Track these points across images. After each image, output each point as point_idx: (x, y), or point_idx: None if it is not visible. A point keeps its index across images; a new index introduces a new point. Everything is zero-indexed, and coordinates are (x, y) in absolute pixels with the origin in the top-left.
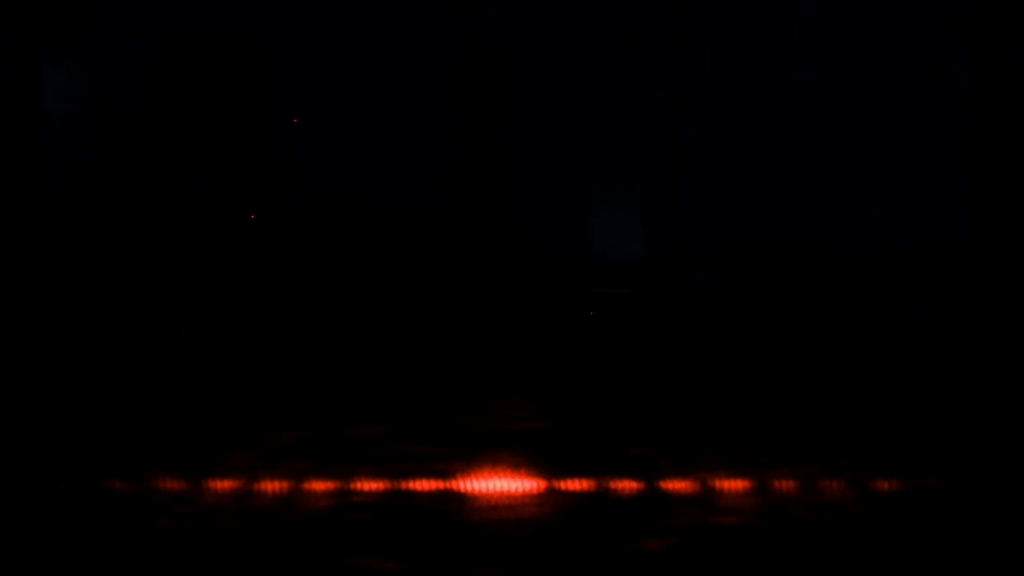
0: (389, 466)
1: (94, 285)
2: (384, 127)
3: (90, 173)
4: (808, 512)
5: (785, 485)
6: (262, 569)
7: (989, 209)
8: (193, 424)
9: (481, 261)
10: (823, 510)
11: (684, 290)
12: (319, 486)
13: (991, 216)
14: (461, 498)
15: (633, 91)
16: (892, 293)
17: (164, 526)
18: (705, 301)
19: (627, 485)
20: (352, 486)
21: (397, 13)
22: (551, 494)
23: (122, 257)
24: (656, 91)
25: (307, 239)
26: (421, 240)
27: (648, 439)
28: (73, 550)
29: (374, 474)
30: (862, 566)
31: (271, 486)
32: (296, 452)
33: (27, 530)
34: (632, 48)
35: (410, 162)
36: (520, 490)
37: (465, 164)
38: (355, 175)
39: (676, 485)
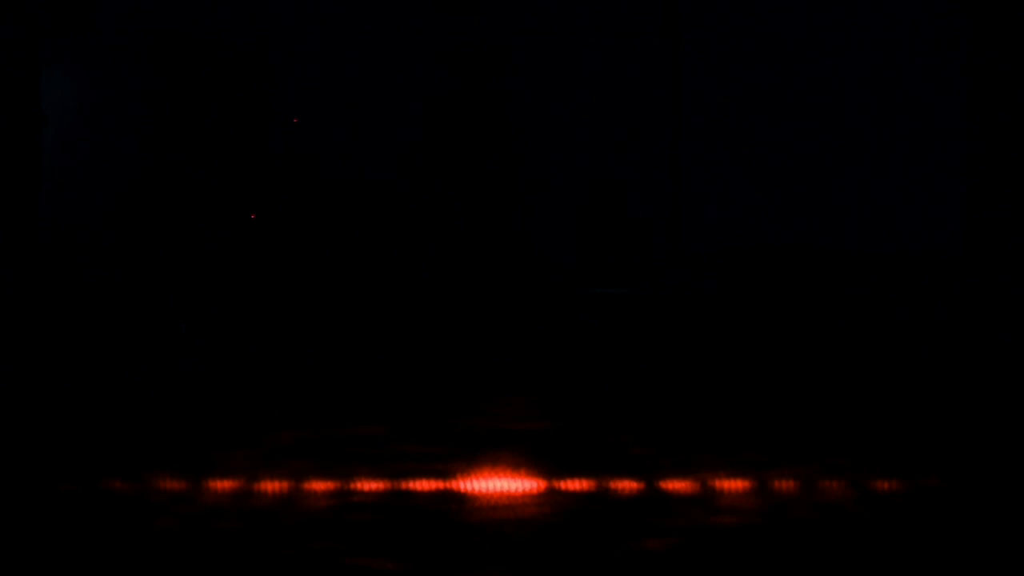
0: (389, 466)
1: (93, 284)
2: (384, 126)
3: (89, 173)
4: (808, 512)
5: (785, 485)
6: (262, 569)
7: (988, 212)
8: (193, 424)
9: (481, 261)
10: (823, 510)
11: (684, 290)
12: (319, 486)
13: (990, 218)
14: (461, 498)
15: (633, 90)
16: (892, 293)
17: (164, 526)
18: (705, 301)
19: (627, 485)
20: (352, 486)
21: (397, 13)
22: (551, 494)
23: (121, 256)
24: (656, 91)
25: (307, 239)
26: (421, 240)
27: (648, 439)
28: (73, 550)
29: (374, 474)
30: (862, 566)
31: (271, 486)
32: (296, 452)
33: (27, 530)
34: (632, 48)
35: (409, 162)
36: (520, 490)
37: (465, 164)
38: (354, 175)
39: (676, 485)
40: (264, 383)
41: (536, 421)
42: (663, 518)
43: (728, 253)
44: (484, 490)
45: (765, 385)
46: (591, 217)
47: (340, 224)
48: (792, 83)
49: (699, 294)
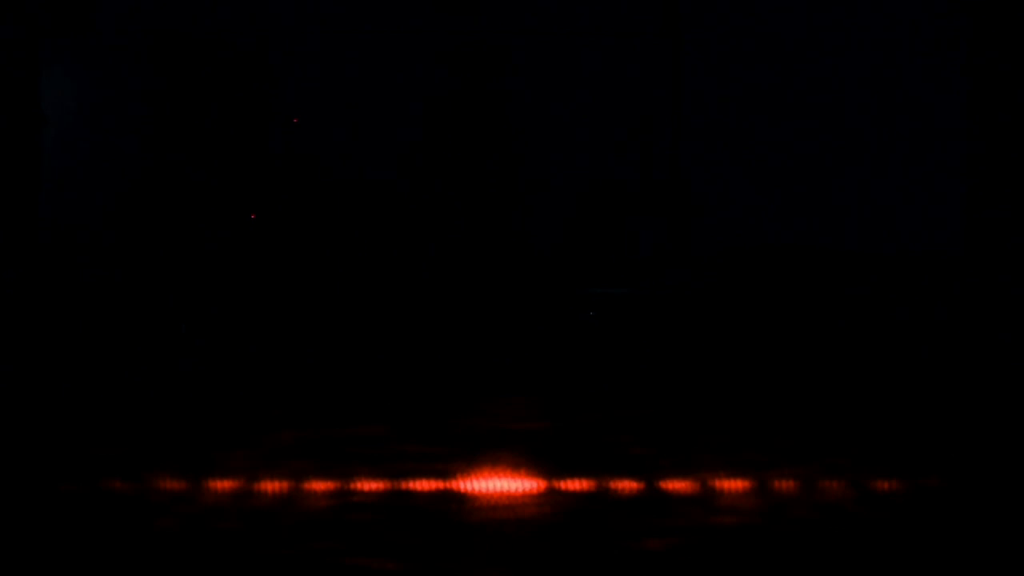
0: (389, 466)
1: (93, 284)
2: (384, 126)
3: (89, 173)
4: (808, 512)
5: (785, 485)
6: (262, 569)
7: (988, 212)
8: (193, 424)
9: (481, 261)
10: (823, 510)
11: (684, 290)
12: (319, 486)
13: (990, 218)
14: (461, 498)
15: (633, 90)
16: (892, 293)
17: (164, 526)
18: (705, 301)
19: (627, 485)
20: (352, 486)
21: (397, 13)
22: (551, 494)
23: (121, 256)
24: (656, 91)
25: (307, 239)
26: (421, 240)
27: (648, 439)
28: (73, 550)
29: (374, 474)
30: (862, 566)
31: (271, 486)
32: (296, 452)
33: (27, 530)
34: (632, 48)
35: (409, 162)
36: (520, 490)
37: (465, 164)
38: (354, 175)
39: (676, 485)
40: (264, 383)
41: (536, 421)
42: (663, 518)
43: (728, 253)
44: (484, 490)
45: (765, 385)
46: (591, 217)
47: (340, 224)
48: (792, 83)
49: (699, 294)
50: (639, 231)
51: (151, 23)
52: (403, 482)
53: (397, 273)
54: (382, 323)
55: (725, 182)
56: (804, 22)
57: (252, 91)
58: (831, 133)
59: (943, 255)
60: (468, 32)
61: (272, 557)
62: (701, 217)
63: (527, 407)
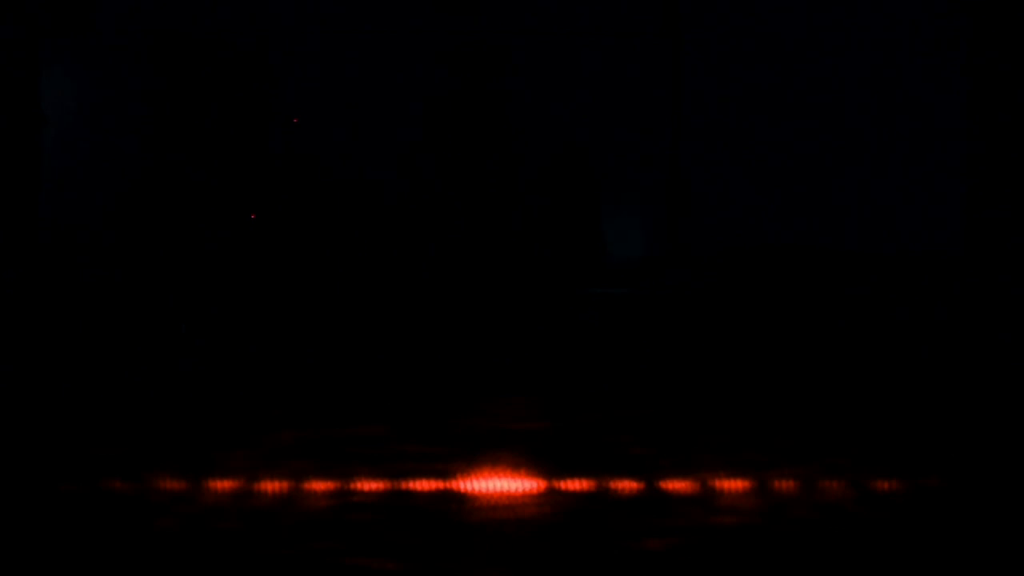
0: (389, 466)
1: (93, 284)
2: (384, 126)
3: (89, 173)
4: (808, 512)
5: (785, 485)
6: (262, 569)
7: (988, 212)
8: (193, 424)
9: (481, 261)
10: (823, 510)
11: (684, 290)
12: (319, 486)
13: (990, 218)
14: (461, 498)
15: (633, 90)
16: (892, 293)
17: (164, 526)
18: (705, 301)
19: (627, 485)
20: (352, 486)
21: (397, 13)
22: (551, 494)
23: (121, 256)
24: (656, 91)
25: (307, 239)
26: (421, 240)
27: (648, 439)
28: (73, 550)
29: (374, 474)
30: (862, 566)
31: (271, 486)
32: (296, 452)
33: (27, 530)
34: (632, 48)
35: (409, 162)
36: (520, 490)
37: (465, 164)
38: (354, 175)
39: (676, 485)
40: (264, 383)
41: (536, 421)
42: (663, 518)
43: (728, 253)
44: (484, 490)
45: (765, 385)
46: (591, 217)
47: (340, 224)
48: (792, 83)
49: (699, 294)
50: (639, 232)
51: (151, 23)
52: (403, 482)
53: (397, 273)
54: (382, 323)
55: (725, 182)
56: (804, 22)
57: (252, 91)
58: (831, 133)
59: (943, 255)
60: (468, 32)
61: (272, 557)
62: (701, 217)
63: (527, 407)
